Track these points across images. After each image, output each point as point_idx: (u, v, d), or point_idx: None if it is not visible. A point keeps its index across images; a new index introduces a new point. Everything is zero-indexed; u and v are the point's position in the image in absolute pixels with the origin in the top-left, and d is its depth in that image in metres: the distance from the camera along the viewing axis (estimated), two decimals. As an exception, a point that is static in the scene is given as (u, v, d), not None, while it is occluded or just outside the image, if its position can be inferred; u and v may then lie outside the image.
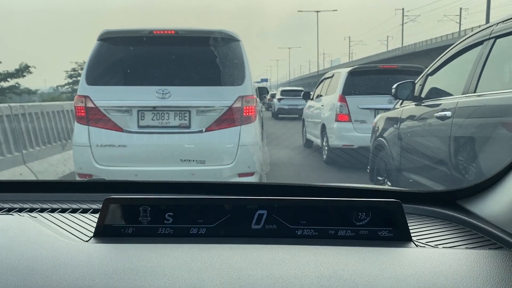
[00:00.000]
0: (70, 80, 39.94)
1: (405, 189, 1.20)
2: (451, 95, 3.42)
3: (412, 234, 0.93)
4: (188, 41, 4.24)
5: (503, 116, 2.62)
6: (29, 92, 36.51)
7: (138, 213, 0.94)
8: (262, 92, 6.06)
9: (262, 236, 0.91)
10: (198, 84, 4.22)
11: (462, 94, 3.07)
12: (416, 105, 3.80)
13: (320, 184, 1.24)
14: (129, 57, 4.37)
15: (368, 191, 1.26)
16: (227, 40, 4.31)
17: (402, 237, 0.91)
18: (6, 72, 33.91)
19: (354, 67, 7.81)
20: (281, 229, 0.91)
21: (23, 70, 35.29)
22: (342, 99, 7.09)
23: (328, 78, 8.51)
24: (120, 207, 0.94)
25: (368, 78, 7.38)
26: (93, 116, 4.16)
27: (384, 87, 6.67)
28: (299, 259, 0.77)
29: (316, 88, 9.29)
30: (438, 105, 3.36)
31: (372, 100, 6.99)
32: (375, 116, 6.50)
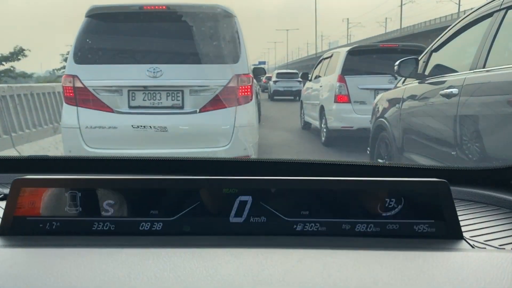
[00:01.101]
0: (66, 64, 39.50)
1: (441, 165, 0.95)
2: (457, 72, 3.25)
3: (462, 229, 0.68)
4: (180, 17, 4.04)
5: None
6: (24, 75, 36.13)
7: (65, 200, 0.68)
8: (258, 72, 5.87)
9: (245, 234, 0.66)
10: (191, 62, 4.03)
11: (470, 70, 2.89)
12: (419, 83, 3.63)
13: (328, 160, 1.00)
14: (118, 34, 4.18)
15: (391, 168, 0.99)
16: (222, 16, 4.11)
17: (450, 234, 0.65)
18: (0, 55, 33.56)
19: (354, 46, 7.62)
20: (273, 223, 0.66)
21: (18, 54, 34.91)
22: (341, 79, 6.89)
23: (327, 58, 8.30)
24: (38, 193, 0.67)
25: (368, 57, 7.18)
26: (82, 97, 3.99)
27: (384, 66, 6.47)
28: (298, 268, 0.53)
29: (315, 69, 9.09)
30: (444, 82, 3.18)
31: (372, 80, 6.79)
32: (375, 97, 6.29)
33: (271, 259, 0.56)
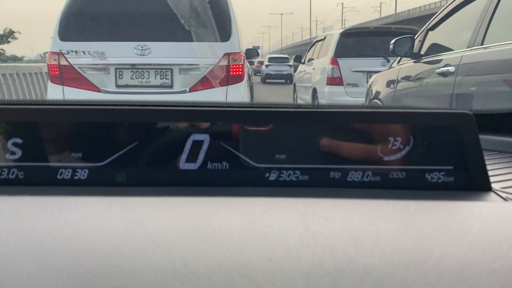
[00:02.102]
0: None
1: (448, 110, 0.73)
2: (454, 50, 3.16)
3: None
4: None
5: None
6: (15, 58, 35.78)
7: None
8: (251, 54, 5.74)
9: (199, 184, 0.49)
10: (180, 40, 3.91)
11: (468, 47, 2.80)
12: (415, 62, 3.54)
13: (329, 105, 0.77)
14: (105, 10, 4.04)
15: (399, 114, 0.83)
16: None
17: (474, 184, 0.48)
18: (-11, 38, 33.13)
19: (347, 28, 7.55)
20: (238, 171, 0.49)
21: (7, 36, 34.47)
22: (334, 61, 6.75)
23: (320, 40, 8.17)
24: None
25: (361, 39, 7.06)
26: (67, 75, 3.87)
27: (377, 49, 6.44)
28: (265, 219, 0.38)
29: (308, 51, 9.00)
30: (440, 60, 3.09)
31: (365, 62, 6.67)
32: (367, 80, 6.23)
33: (225, 209, 0.40)
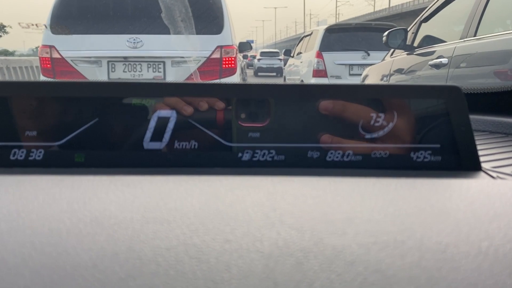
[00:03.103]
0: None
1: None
2: (447, 42, 3.16)
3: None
4: None
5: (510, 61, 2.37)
6: (6, 53, 35.55)
7: None
8: (245, 47, 5.73)
9: (165, 165, 0.45)
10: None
11: (461, 39, 2.80)
12: (408, 54, 3.54)
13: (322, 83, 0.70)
14: (97, 2, 4.01)
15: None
16: None
17: (463, 163, 0.45)
18: (-20, 31, 32.89)
19: (331, 24, 8.01)
20: (208, 151, 0.46)
21: (-2, 30, 34.25)
22: (319, 55, 7.09)
23: (307, 35, 8.55)
24: None
25: (344, 35, 7.40)
26: (59, 68, 3.85)
27: (359, 43, 6.89)
28: (228, 197, 0.35)
29: (297, 46, 9.32)
30: (433, 52, 3.09)
31: (347, 56, 7.02)
32: (349, 72, 6.82)
33: (185, 188, 0.37)
